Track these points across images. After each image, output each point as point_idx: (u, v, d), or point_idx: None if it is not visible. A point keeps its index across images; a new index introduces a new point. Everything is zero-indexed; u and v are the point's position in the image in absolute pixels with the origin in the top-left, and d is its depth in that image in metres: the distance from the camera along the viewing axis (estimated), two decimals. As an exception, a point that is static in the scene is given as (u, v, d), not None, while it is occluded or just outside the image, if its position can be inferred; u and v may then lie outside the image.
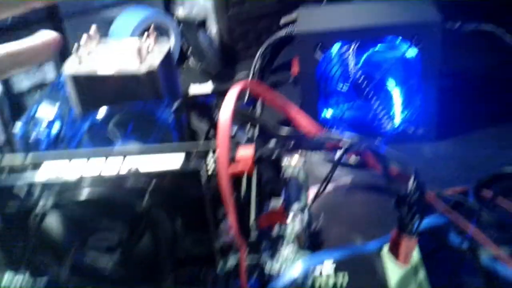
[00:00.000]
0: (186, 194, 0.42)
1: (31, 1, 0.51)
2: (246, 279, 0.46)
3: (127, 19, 0.88)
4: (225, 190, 0.43)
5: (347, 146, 0.53)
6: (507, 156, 0.70)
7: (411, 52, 0.73)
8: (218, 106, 0.58)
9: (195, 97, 0.73)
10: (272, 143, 0.56)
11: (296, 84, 0.78)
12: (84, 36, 0.66)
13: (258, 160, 0.49)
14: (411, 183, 0.51)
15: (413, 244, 0.51)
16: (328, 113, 0.78)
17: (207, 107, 0.59)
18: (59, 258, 0.42)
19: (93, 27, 0.67)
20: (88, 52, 0.62)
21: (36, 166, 0.44)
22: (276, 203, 0.53)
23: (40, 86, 0.80)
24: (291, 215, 0.56)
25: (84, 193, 0.40)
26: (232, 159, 0.46)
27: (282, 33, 0.77)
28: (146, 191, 0.41)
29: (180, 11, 0.97)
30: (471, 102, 0.79)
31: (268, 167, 0.53)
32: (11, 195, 0.41)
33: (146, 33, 0.63)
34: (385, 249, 0.53)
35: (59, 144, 0.56)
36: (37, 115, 0.60)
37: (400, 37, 0.71)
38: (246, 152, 0.48)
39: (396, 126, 0.76)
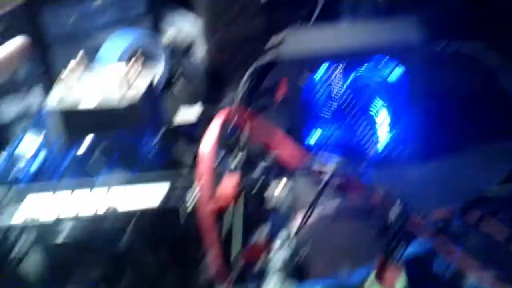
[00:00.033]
0: (166, 231, 0.42)
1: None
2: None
3: (115, 44, 0.88)
4: (206, 226, 0.43)
5: (330, 175, 0.54)
6: (492, 175, 0.70)
7: (397, 72, 0.73)
8: (203, 134, 0.58)
9: (180, 126, 0.73)
10: (257, 171, 0.56)
11: (282, 108, 0.78)
12: (71, 62, 0.66)
13: (241, 192, 0.49)
14: (395, 211, 0.51)
15: (399, 272, 0.51)
16: (313, 137, 0.78)
17: (191, 137, 0.59)
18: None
19: (80, 54, 0.67)
20: (74, 80, 0.62)
21: (18, 200, 0.44)
22: (262, 232, 0.53)
23: (25, 114, 0.80)
24: (277, 243, 0.56)
25: (62, 236, 0.40)
26: (214, 193, 0.46)
27: (268, 57, 0.78)
28: (126, 231, 0.40)
29: (168, 36, 0.98)
30: (455, 122, 0.79)
31: (252, 197, 0.53)
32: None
33: (133, 59, 0.63)
34: (371, 277, 0.53)
35: (43, 175, 0.56)
36: (21, 146, 0.60)
37: (386, 57, 0.72)
38: (229, 184, 0.48)
39: (381, 149, 0.77)
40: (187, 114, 0.85)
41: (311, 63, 0.73)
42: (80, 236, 0.41)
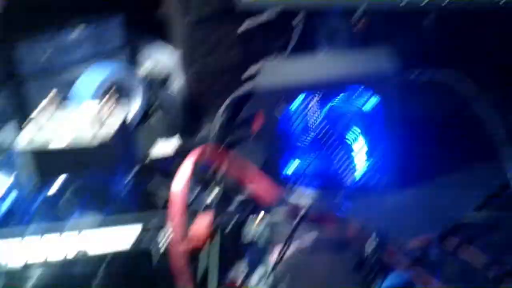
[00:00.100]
0: (138, 274, 0.41)
1: None
2: None
3: (90, 79, 0.88)
4: (179, 267, 0.42)
5: (306, 208, 0.54)
6: (468, 202, 0.71)
7: (372, 101, 0.74)
8: (178, 170, 0.58)
9: (155, 161, 0.73)
10: (233, 206, 0.56)
11: (259, 140, 0.78)
12: (43, 101, 0.65)
13: (216, 230, 0.49)
14: (371, 244, 0.51)
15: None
16: (291, 167, 0.78)
17: (167, 172, 0.59)
18: None
19: (53, 92, 0.66)
20: (45, 119, 0.62)
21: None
22: (239, 269, 0.53)
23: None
24: (254, 279, 0.55)
25: (31, 283, 0.39)
26: (187, 233, 0.46)
27: (244, 89, 0.78)
28: (97, 275, 0.40)
29: (145, 68, 0.98)
30: (431, 150, 0.80)
31: (228, 234, 0.53)
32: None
33: (106, 96, 0.63)
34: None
35: (13, 217, 0.55)
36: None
37: (361, 87, 0.73)
38: (203, 223, 0.48)
39: (359, 177, 0.77)
40: (164, 147, 0.85)
41: (287, 94, 0.74)
42: (50, 282, 0.40)
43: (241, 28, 0.94)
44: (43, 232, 0.46)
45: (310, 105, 0.75)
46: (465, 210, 0.68)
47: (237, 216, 0.54)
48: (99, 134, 0.58)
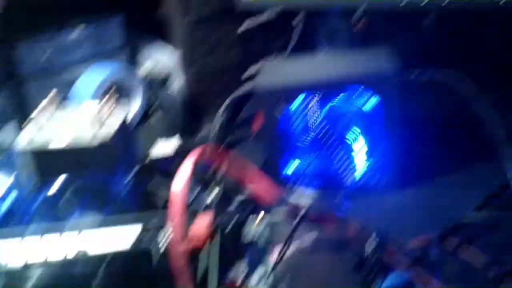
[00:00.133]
0: (138, 274, 0.41)
1: None
2: None
3: (90, 79, 0.88)
4: (179, 267, 0.42)
5: (306, 208, 0.54)
6: (468, 202, 0.71)
7: (372, 101, 0.74)
8: (178, 170, 0.58)
9: (155, 161, 0.73)
10: (233, 206, 0.56)
11: (259, 139, 0.78)
12: (43, 101, 0.65)
13: (216, 230, 0.49)
14: (371, 244, 0.51)
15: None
16: (291, 167, 0.78)
17: (167, 172, 0.59)
18: None
19: (53, 92, 0.66)
20: (45, 119, 0.62)
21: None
22: (239, 269, 0.53)
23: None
24: (255, 279, 0.55)
25: (31, 283, 0.39)
26: (187, 233, 0.46)
27: (244, 89, 0.78)
28: (97, 275, 0.40)
29: (145, 68, 0.98)
30: (431, 150, 0.80)
31: (228, 234, 0.53)
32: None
33: (106, 96, 0.63)
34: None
35: (13, 217, 0.55)
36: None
37: (361, 87, 0.73)
38: (203, 223, 0.48)
39: (359, 177, 0.77)
40: (164, 147, 0.85)
41: (287, 94, 0.74)
42: (50, 282, 0.40)
43: (241, 28, 0.94)
44: (43, 232, 0.46)
45: (310, 105, 0.75)
46: (465, 210, 0.68)
47: (237, 216, 0.54)
48: (99, 134, 0.58)
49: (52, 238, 0.45)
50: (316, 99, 0.75)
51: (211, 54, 0.94)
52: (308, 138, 0.76)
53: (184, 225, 0.45)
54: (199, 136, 0.88)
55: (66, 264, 0.41)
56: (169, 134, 0.88)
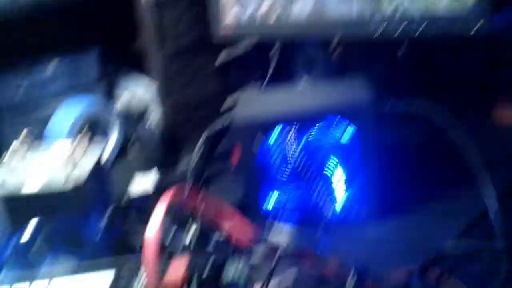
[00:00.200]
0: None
1: None
2: None
3: (65, 115, 0.86)
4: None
5: (285, 246, 0.53)
6: (449, 230, 0.71)
7: (349, 132, 0.74)
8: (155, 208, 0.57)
9: (131, 201, 0.72)
10: (210, 247, 0.55)
11: (237, 173, 0.78)
12: (15, 143, 0.64)
13: (193, 274, 0.48)
14: (350, 282, 0.51)
15: None
16: (271, 201, 0.77)
17: (142, 213, 0.58)
18: None
19: (24, 132, 0.65)
20: (17, 161, 0.61)
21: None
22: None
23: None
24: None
25: None
26: (162, 278, 0.45)
27: (220, 122, 0.78)
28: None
29: (121, 101, 0.97)
30: (409, 180, 0.80)
31: (207, 276, 0.51)
32: None
33: (79, 135, 0.62)
34: None
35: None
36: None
37: (338, 117, 0.73)
38: (178, 267, 0.47)
39: (339, 209, 0.76)
40: (142, 182, 0.83)
41: (264, 126, 0.74)
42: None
43: (219, 60, 0.94)
44: (13, 281, 0.44)
45: (287, 137, 0.75)
46: (445, 240, 0.68)
47: (214, 257, 0.53)
48: (73, 176, 0.57)
49: (22, 287, 0.43)
50: (293, 130, 0.74)
51: (188, 86, 0.94)
52: (287, 171, 0.75)
53: (158, 271, 0.44)
54: (178, 170, 0.87)
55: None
56: (146, 168, 0.87)
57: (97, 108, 0.91)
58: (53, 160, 0.60)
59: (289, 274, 0.58)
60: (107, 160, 0.66)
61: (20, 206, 0.55)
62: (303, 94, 0.80)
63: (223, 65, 0.94)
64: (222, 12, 0.85)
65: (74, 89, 0.95)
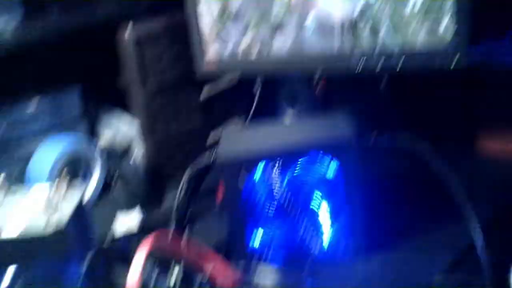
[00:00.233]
0: None
1: None
2: None
3: (46, 155, 0.85)
4: None
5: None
6: (435, 264, 0.71)
7: (333, 167, 0.74)
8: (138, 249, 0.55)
9: (113, 243, 0.71)
10: (194, 289, 0.54)
11: (222, 211, 0.77)
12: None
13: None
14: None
15: None
16: (257, 238, 0.76)
17: (125, 256, 0.57)
18: None
19: (1, 177, 0.64)
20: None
21: None
22: None
23: None
24: None
25: None
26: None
27: (204, 159, 0.77)
28: None
29: (104, 138, 0.96)
30: (394, 215, 0.80)
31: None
32: None
33: (60, 177, 0.61)
34: None
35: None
36: None
37: (321, 153, 0.73)
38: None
39: (325, 246, 0.76)
40: (125, 221, 0.82)
41: (248, 163, 0.73)
42: None
43: (202, 96, 0.94)
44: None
45: (272, 173, 0.74)
46: (432, 275, 0.68)
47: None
48: (52, 220, 0.55)
49: None
50: (277, 166, 0.74)
51: (171, 122, 0.93)
52: (272, 207, 0.75)
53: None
54: (161, 208, 0.86)
55: None
56: (130, 206, 0.86)
57: (79, 146, 0.90)
58: (32, 204, 0.58)
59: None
60: (89, 201, 0.65)
61: (-2, 253, 0.54)
62: (286, 129, 0.80)
63: (206, 101, 0.94)
64: (204, 48, 0.85)
65: (56, 127, 0.94)
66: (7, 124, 0.90)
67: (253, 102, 0.92)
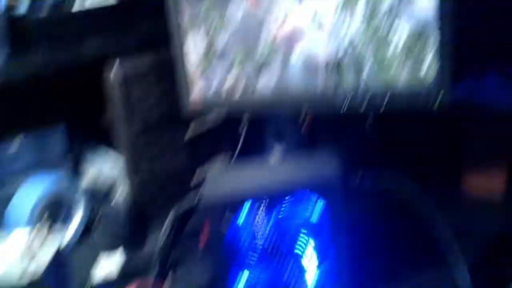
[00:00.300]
0: None
1: None
2: None
3: (26, 197, 0.83)
4: None
5: None
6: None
7: (319, 207, 0.73)
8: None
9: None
10: None
11: (206, 254, 0.76)
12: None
13: None
14: None
15: None
16: (240, 282, 0.75)
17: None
18: None
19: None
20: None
21: None
22: None
23: None
24: None
25: None
26: None
27: (189, 201, 0.76)
28: None
29: (88, 177, 0.95)
30: (380, 256, 0.79)
31: None
32: None
33: (39, 223, 0.59)
34: None
35: None
36: None
37: (307, 192, 0.72)
38: None
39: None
40: (107, 264, 0.80)
41: (233, 205, 0.72)
42: None
43: (188, 134, 0.94)
44: None
45: (256, 215, 0.73)
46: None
47: None
48: (29, 269, 0.54)
49: None
50: (262, 207, 0.73)
51: (156, 161, 0.92)
52: (257, 250, 0.73)
53: None
54: (144, 251, 0.85)
55: None
56: (112, 247, 0.84)
57: (61, 186, 0.88)
58: (9, 251, 0.57)
59: None
60: (69, 244, 0.63)
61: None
62: (272, 169, 0.80)
63: (191, 140, 0.93)
64: (189, 86, 0.85)
65: (40, 165, 0.93)
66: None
67: (239, 139, 0.92)
